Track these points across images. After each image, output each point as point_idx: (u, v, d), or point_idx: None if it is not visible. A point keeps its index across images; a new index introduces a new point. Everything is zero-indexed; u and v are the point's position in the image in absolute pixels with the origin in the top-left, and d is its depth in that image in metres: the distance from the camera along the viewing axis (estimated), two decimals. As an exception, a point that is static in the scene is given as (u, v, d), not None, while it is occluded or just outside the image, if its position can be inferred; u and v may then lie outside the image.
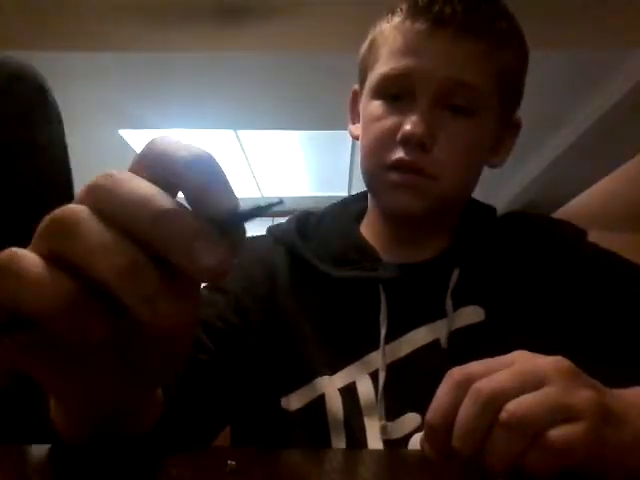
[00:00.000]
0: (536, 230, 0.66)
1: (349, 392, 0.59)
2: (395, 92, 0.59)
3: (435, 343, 0.59)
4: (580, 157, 3.23)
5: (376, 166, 0.61)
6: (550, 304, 0.61)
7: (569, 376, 0.35)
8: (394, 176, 0.59)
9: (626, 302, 0.59)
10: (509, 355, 0.38)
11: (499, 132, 0.63)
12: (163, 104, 2.92)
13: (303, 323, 0.63)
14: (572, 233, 0.66)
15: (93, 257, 0.22)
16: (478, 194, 0.71)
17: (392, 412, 0.58)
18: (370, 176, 0.63)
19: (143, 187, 0.23)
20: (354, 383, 0.59)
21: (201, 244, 0.23)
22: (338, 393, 0.59)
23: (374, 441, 0.57)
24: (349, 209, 0.72)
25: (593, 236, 0.68)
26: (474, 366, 0.37)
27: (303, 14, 2.19)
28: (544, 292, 0.61)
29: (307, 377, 0.61)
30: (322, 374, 0.60)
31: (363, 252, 0.65)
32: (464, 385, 0.36)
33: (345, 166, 4.03)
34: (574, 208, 4.07)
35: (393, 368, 0.59)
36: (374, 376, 0.59)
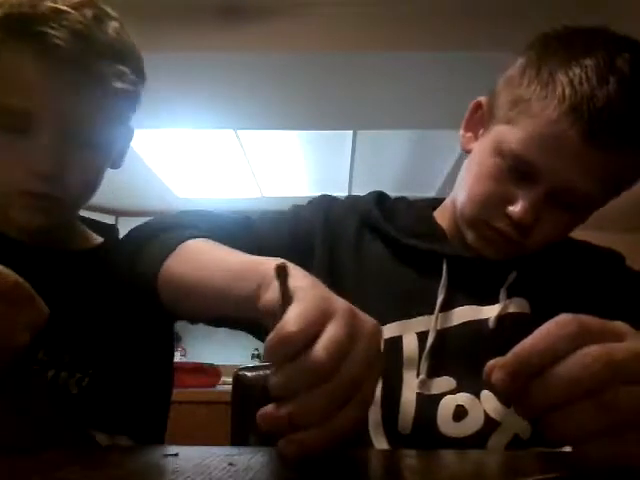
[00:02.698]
0: (574, 244, 0.76)
1: (394, 344, 0.64)
2: (519, 169, 0.61)
3: (484, 322, 0.65)
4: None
5: (479, 218, 0.66)
6: (589, 310, 0.66)
7: None
8: (491, 234, 0.65)
9: None
10: (612, 323, 0.37)
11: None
12: (163, 104, 2.92)
13: (359, 280, 0.68)
14: (613, 254, 0.75)
15: None
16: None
17: (431, 372, 0.63)
18: (469, 221, 0.68)
19: None
20: (400, 337, 0.65)
21: None
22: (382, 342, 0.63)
23: (409, 392, 0.62)
24: (424, 200, 0.80)
25: (592, 236, 0.75)
26: (590, 322, 0.36)
27: (303, 14, 2.19)
28: (585, 300, 0.68)
29: None
30: None
31: (434, 230, 0.72)
32: (579, 338, 0.35)
33: (345, 166, 4.03)
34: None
35: (441, 334, 0.64)
36: (421, 336, 0.64)
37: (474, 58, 2.25)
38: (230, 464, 0.40)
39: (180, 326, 5.17)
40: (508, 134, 0.61)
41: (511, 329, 0.65)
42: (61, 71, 0.58)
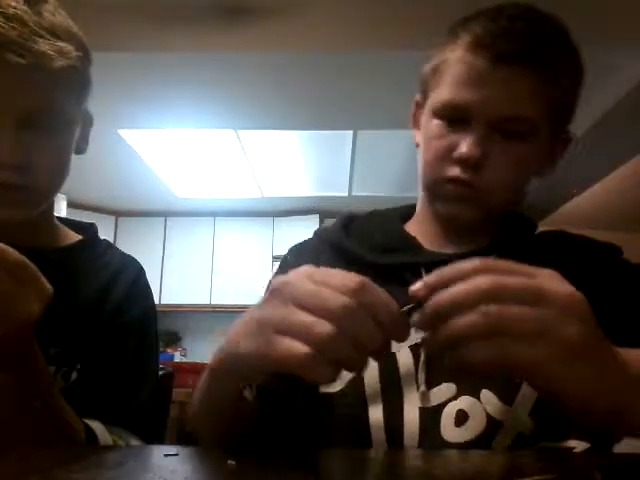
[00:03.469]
0: (570, 237, 0.74)
1: (389, 363, 0.64)
2: (454, 117, 0.66)
3: None
4: (580, 157, 3.23)
5: (434, 178, 0.68)
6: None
7: (571, 308, 0.38)
8: (450, 188, 0.66)
9: None
10: (541, 271, 0.41)
11: (551, 148, 0.69)
12: (163, 104, 2.92)
13: None
14: (607, 245, 0.73)
15: None
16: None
17: (430, 382, 0.63)
18: (429, 186, 0.70)
19: None
20: (394, 354, 0.64)
21: None
22: (377, 365, 0.63)
23: (411, 408, 0.62)
24: (395, 210, 0.80)
25: (592, 236, 0.73)
26: (495, 265, 0.40)
27: (303, 14, 2.19)
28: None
29: None
30: None
31: (406, 243, 0.72)
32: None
33: (345, 166, 4.03)
34: (574, 208, 4.07)
35: None
36: (414, 349, 0.64)
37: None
38: (230, 464, 0.40)
39: (180, 326, 5.18)
40: (436, 95, 0.67)
41: None
42: (6, 60, 0.58)
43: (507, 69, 0.61)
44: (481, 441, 0.60)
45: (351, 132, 3.38)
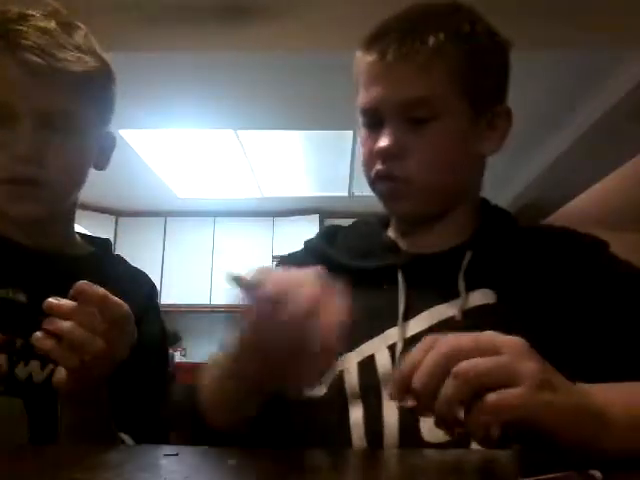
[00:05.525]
0: (552, 230, 0.74)
1: (368, 364, 0.64)
2: (372, 121, 0.68)
3: (451, 319, 0.64)
4: (580, 157, 3.23)
5: (370, 181, 0.70)
6: (558, 296, 0.65)
7: (521, 350, 0.42)
8: (380, 187, 0.69)
9: (631, 307, 0.63)
10: (484, 334, 0.44)
11: (479, 123, 0.68)
12: (163, 104, 2.92)
13: None
14: (591, 239, 0.71)
15: None
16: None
17: None
18: (372, 184, 0.71)
19: None
20: (373, 355, 0.65)
21: None
22: (356, 366, 0.64)
23: (390, 410, 0.61)
24: (378, 216, 0.80)
25: (608, 236, 0.71)
26: (447, 337, 0.44)
27: (303, 14, 2.18)
28: (555, 286, 0.66)
29: None
30: (342, 354, 0.64)
31: (385, 246, 0.73)
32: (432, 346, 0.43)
33: (345, 166, 4.03)
34: (574, 208, 4.07)
35: (411, 341, 0.63)
36: (392, 349, 0.64)
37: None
38: (230, 464, 0.41)
39: (180, 326, 5.18)
40: (358, 100, 0.70)
41: (478, 322, 0.61)
42: (32, 64, 0.64)
43: (386, 61, 0.64)
44: (461, 441, 0.59)
45: (351, 132, 3.38)
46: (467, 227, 0.72)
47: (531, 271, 0.67)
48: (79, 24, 0.72)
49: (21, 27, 0.64)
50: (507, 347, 0.42)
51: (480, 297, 0.66)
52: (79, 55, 0.67)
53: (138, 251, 4.20)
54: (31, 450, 0.45)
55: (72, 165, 0.70)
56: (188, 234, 5.10)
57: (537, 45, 2.12)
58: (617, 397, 0.47)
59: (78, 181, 0.73)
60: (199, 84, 2.69)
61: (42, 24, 0.66)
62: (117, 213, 5.03)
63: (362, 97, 0.68)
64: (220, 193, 4.64)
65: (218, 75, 2.61)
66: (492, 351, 0.42)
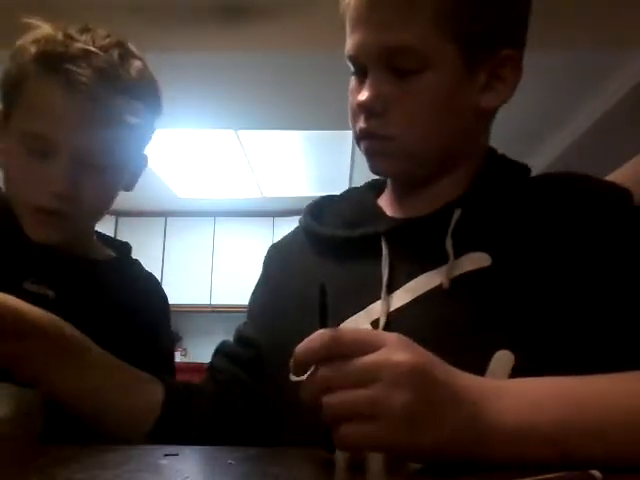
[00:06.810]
0: (561, 179, 0.64)
1: None
2: (357, 69, 0.62)
3: (438, 289, 0.57)
4: (580, 157, 3.23)
5: (355, 136, 0.65)
6: (563, 258, 0.57)
7: (403, 379, 0.39)
8: (363, 144, 0.63)
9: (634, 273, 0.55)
10: (386, 336, 0.42)
11: (477, 73, 0.60)
12: (163, 104, 2.92)
13: (312, 293, 0.58)
14: (606, 189, 0.61)
15: None
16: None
17: None
18: (358, 146, 0.66)
19: None
20: None
21: None
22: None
23: None
24: (371, 182, 0.75)
25: None
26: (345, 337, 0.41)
27: (303, 14, 2.19)
28: (559, 244, 0.58)
29: None
30: None
31: (372, 214, 0.67)
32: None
33: (345, 166, 4.03)
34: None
35: (395, 315, 0.59)
36: (375, 324, 0.59)
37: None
38: (230, 464, 0.41)
39: (180, 326, 5.18)
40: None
41: (469, 289, 0.57)
42: (83, 105, 0.64)
43: (363, 3, 0.58)
44: None
45: (351, 132, 3.38)
46: (462, 186, 0.64)
47: (532, 229, 0.59)
48: (137, 54, 0.72)
49: (81, 67, 0.64)
50: (389, 372, 0.39)
51: (472, 261, 0.57)
52: (134, 105, 0.68)
53: (138, 251, 4.20)
54: (31, 449, 0.45)
55: (104, 199, 0.72)
56: (188, 234, 5.10)
57: (537, 45, 2.12)
58: (535, 401, 0.43)
59: (104, 211, 0.75)
60: (199, 84, 2.69)
61: (103, 66, 0.65)
62: (117, 213, 5.03)
63: (347, 44, 0.62)
64: (220, 193, 4.64)
65: (218, 75, 2.61)
66: (369, 380, 0.39)
